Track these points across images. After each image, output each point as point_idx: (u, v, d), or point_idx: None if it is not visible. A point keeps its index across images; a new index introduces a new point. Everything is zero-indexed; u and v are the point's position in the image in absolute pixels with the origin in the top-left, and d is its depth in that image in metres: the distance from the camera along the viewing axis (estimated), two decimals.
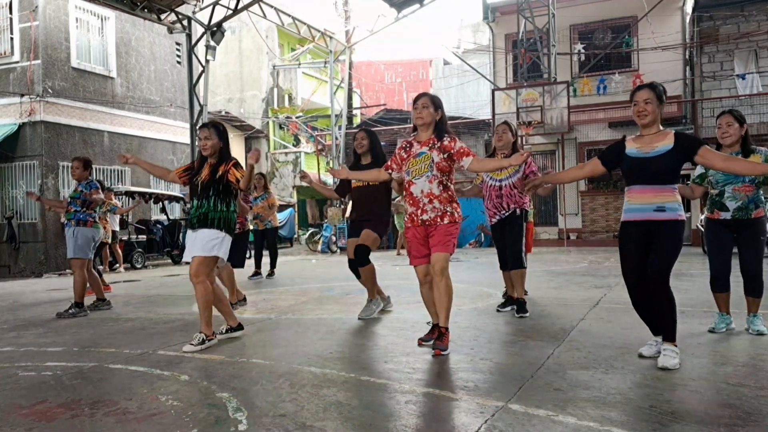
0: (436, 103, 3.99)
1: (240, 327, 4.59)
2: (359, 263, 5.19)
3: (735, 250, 4.24)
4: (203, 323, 4.27)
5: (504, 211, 5.23)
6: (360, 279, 5.36)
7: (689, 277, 7.57)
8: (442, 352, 3.76)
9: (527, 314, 5.09)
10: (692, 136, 3.52)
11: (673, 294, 3.48)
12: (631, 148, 3.57)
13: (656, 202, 3.46)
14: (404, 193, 4.13)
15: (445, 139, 3.94)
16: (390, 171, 4.17)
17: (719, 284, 4.25)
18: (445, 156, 3.90)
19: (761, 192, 4.12)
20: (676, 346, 3.44)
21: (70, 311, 6.02)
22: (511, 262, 5.22)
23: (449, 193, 3.95)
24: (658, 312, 3.53)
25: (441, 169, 3.90)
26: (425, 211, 3.92)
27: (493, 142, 5.47)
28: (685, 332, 4.26)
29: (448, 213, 3.91)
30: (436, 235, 3.90)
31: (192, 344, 4.17)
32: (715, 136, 4.36)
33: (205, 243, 4.22)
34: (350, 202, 5.43)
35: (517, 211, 5.21)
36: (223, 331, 4.51)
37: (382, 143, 5.51)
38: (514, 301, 5.28)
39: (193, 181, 4.41)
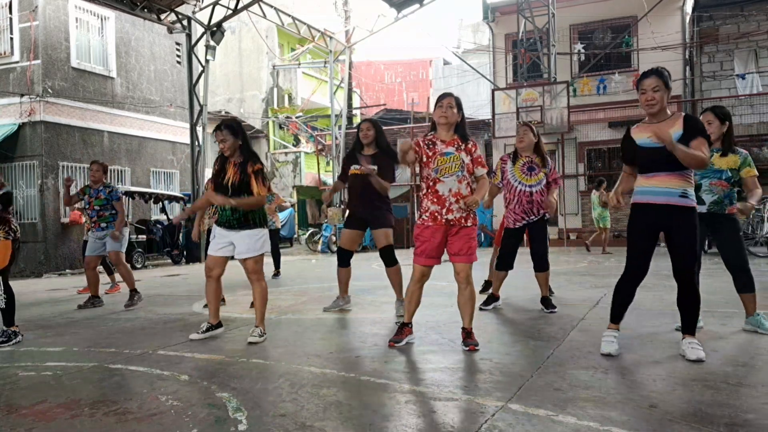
0: (459, 104, 4.05)
1: (220, 325, 4.73)
2: (387, 264, 5.28)
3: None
4: (259, 318, 4.49)
5: (533, 216, 5.33)
6: (343, 268, 5.49)
7: None
8: (476, 347, 3.93)
9: (556, 309, 5.30)
10: (699, 123, 3.49)
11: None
12: (642, 138, 3.53)
13: (682, 186, 3.48)
14: (427, 189, 4.03)
15: (469, 142, 4.03)
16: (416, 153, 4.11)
17: None
18: (470, 159, 3.98)
19: (735, 191, 4.16)
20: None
21: (134, 299, 6.46)
22: (539, 265, 5.38)
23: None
24: (685, 307, 3.58)
25: (469, 171, 3.98)
26: (451, 210, 3.93)
27: (515, 143, 5.46)
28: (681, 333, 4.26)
29: (472, 215, 4.00)
30: (458, 241, 3.96)
31: (255, 336, 4.37)
32: None
33: (254, 243, 4.44)
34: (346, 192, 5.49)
35: (546, 216, 5.36)
36: (205, 329, 4.61)
37: None
38: (496, 300, 5.58)
39: (221, 183, 4.45)
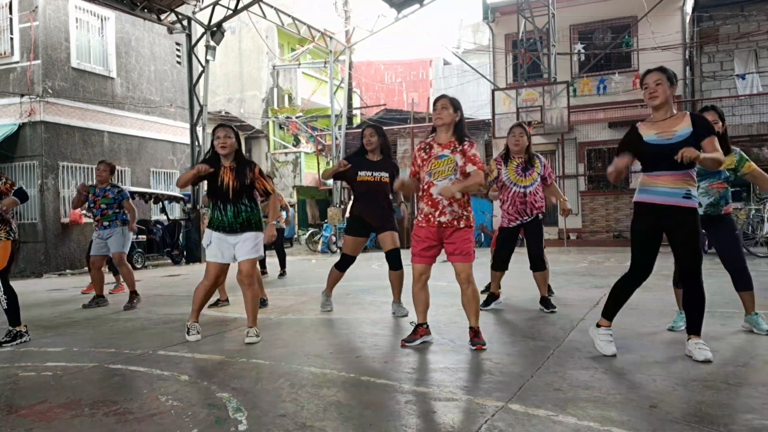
0: (455, 104, 4.02)
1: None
2: (394, 267, 5.28)
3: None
4: (252, 319, 4.51)
5: (527, 217, 5.33)
6: (340, 272, 5.60)
7: None
8: (483, 347, 3.91)
9: (556, 309, 5.29)
10: (707, 121, 3.50)
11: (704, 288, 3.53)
12: (650, 135, 3.54)
13: (685, 187, 3.48)
14: (421, 192, 4.12)
15: (465, 143, 3.98)
16: (417, 177, 4.15)
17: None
18: (464, 160, 3.94)
19: (729, 191, 4.19)
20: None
21: (134, 302, 6.47)
22: (535, 265, 5.37)
23: (467, 197, 4.00)
24: (691, 307, 3.56)
25: (463, 173, 3.94)
26: (444, 213, 3.96)
27: (508, 144, 5.39)
28: (681, 333, 4.26)
29: (464, 217, 3.97)
30: (455, 242, 3.96)
31: (252, 337, 4.39)
32: None
33: (252, 246, 4.46)
34: (352, 197, 5.45)
35: (539, 216, 5.34)
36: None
37: None
38: (496, 298, 5.59)
39: (217, 186, 4.45)
